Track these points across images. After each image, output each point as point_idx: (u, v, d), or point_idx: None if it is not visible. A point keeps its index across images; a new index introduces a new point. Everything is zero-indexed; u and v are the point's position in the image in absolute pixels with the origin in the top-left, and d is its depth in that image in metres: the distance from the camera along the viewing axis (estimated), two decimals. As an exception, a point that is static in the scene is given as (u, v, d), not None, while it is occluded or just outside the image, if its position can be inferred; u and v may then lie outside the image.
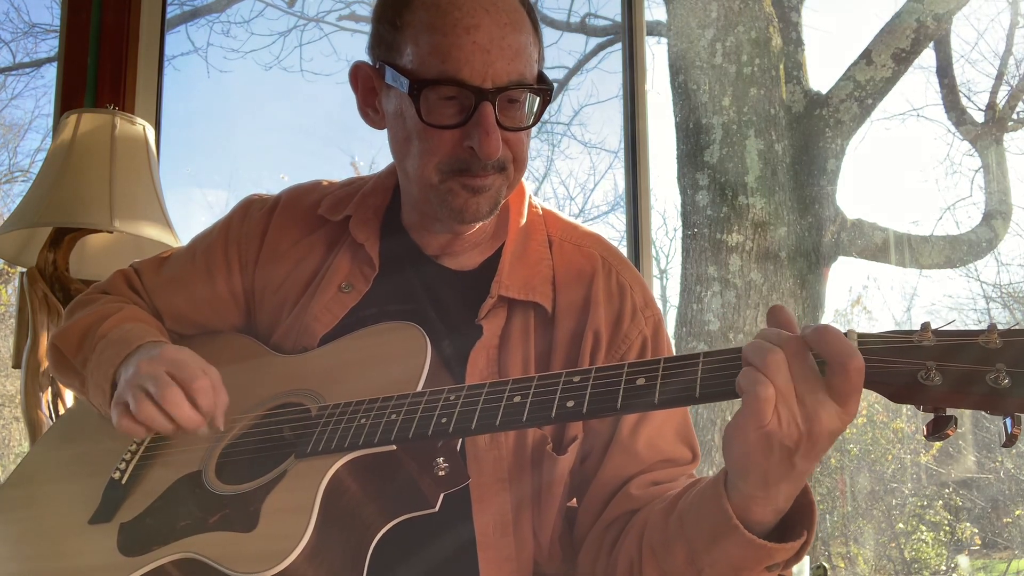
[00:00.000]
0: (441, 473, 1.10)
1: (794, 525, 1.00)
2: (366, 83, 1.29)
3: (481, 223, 1.29)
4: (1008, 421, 0.85)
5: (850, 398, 0.88)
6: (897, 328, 0.94)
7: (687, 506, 1.08)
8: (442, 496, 1.11)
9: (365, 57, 1.29)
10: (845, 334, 0.91)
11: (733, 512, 0.97)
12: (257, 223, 1.42)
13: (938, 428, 0.87)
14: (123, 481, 1.24)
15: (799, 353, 0.89)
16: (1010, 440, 0.85)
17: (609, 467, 1.24)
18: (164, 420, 1.16)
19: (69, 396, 2.19)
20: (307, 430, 1.14)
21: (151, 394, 1.16)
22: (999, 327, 0.86)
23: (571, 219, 1.42)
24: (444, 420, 1.06)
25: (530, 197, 1.40)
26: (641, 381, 0.99)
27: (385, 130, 1.30)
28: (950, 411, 0.88)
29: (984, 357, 0.85)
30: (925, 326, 0.89)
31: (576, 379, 1.03)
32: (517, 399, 1.04)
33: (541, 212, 1.40)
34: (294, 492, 1.08)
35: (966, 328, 0.89)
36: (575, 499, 1.32)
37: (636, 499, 1.21)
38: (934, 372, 0.86)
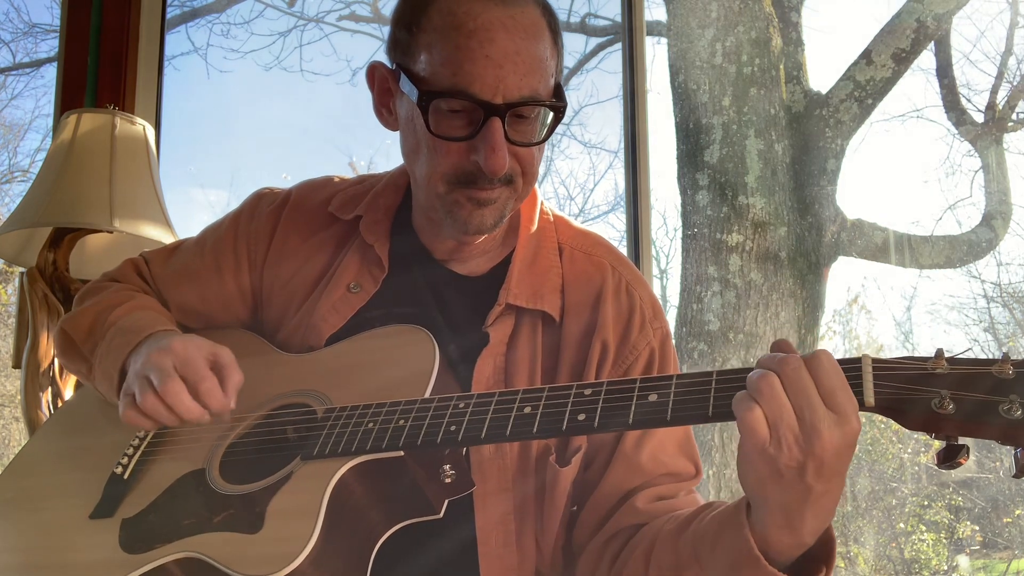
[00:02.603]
0: (447, 480, 1.10)
1: (812, 560, 0.98)
2: (382, 84, 1.28)
3: (489, 234, 1.28)
4: (1019, 452, 0.86)
5: (836, 395, 0.88)
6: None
7: (703, 532, 1.06)
8: (447, 503, 1.10)
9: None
10: (859, 359, 0.91)
11: (755, 543, 0.95)
12: (267, 219, 1.41)
13: (950, 456, 0.88)
14: (125, 476, 1.23)
15: (794, 371, 0.89)
16: (1022, 471, 0.86)
17: (612, 478, 1.24)
18: (167, 413, 1.16)
19: (69, 396, 2.18)
20: (313, 432, 1.14)
21: (154, 386, 1.15)
22: (997, 332, 0.87)
23: (582, 226, 1.41)
24: (453, 428, 1.05)
25: (542, 203, 1.39)
26: (653, 397, 0.99)
27: (397, 132, 1.29)
28: (962, 439, 0.88)
29: (997, 387, 0.86)
30: (939, 353, 0.90)
31: (587, 392, 1.03)
32: (528, 410, 1.03)
33: (552, 219, 1.39)
34: (300, 494, 1.07)
35: (980, 357, 0.89)
36: (575, 506, 1.31)
37: (642, 513, 1.20)
38: (948, 400, 0.86)
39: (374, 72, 1.28)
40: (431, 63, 1.15)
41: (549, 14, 1.20)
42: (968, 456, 0.87)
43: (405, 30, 1.20)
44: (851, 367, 0.92)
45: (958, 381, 0.87)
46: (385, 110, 1.29)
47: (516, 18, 1.14)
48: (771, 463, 0.89)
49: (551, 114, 1.20)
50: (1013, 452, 0.86)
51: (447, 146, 1.17)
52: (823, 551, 0.98)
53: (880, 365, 0.91)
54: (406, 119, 1.23)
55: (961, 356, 0.90)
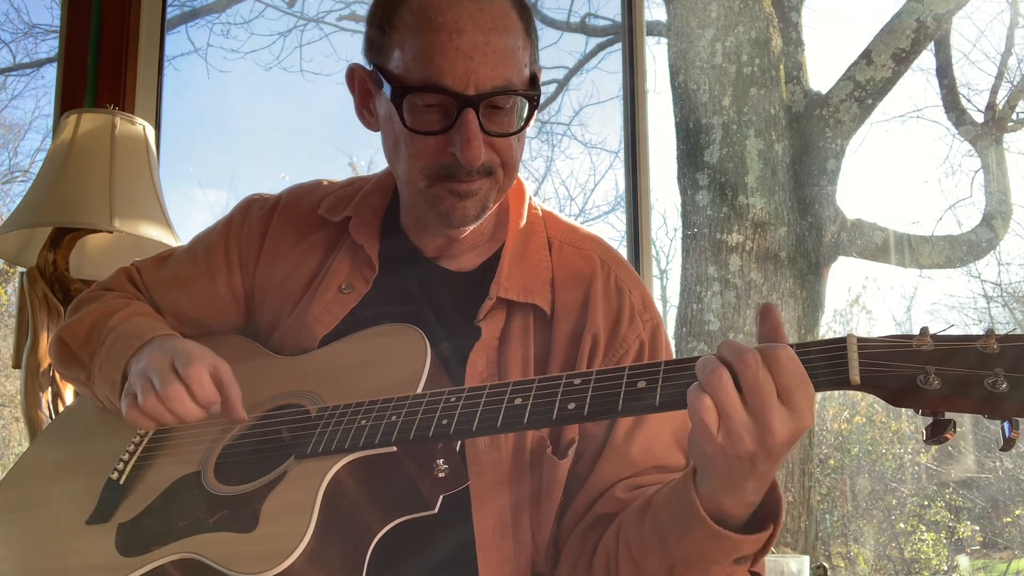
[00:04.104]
0: (441, 475, 1.10)
1: (762, 519, 1.02)
2: (361, 85, 1.29)
3: (473, 226, 1.28)
4: (1006, 425, 0.86)
5: (793, 394, 0.89)
6: (897, 330, 0.95)
7: (660, 501, 1.09)
8: (441, 497, 1.11)
9: (363, 58, 1.29)
10: (844, 338, 0.92)
11: (701, 504, 0.99)
12: (258, 223, 1.43)
13: (936, 432, 0.89)
14: (121, 481, 1.24)
15: (750, 369, 0.90)
16: (1008, 444, 0.86)
17: (602, 470, 1.24)
18: (168, 415, 1.18)
19: (69, 396, 2.19)
20: (307, 431, 1.14)
21: (155, 387, 1.18)
22: (997, 331, 0.87)
23: (571, 221, 1.42)
24: (445, 422, 1.06)
25: (530, 198, 1.39)
26: (642, 384, 0.99)
27: (380, 132, 1.29)
28: (948, 415, 0.89)
29: (982, 362, 0.86)
30: (924, 331, 0.91)
31: (577, 381, 1.03)
32: (518, 401, 1.04)
33: (541, 213, 1.40)
34: (294, 493, 1.08)
35: (964, 333, 0.90)
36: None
37: (621, 502, 1.21)
38: (933, 376, 0.87)
39: (353, 74, 1.29)
40: (404, 60, 1.16)
41: (520, 4, 1.21)
42: (954, 431, 0.88)
43: (378, 29, 1.21)
44: (837, 346, 0.93)
45: (943, 357, 0.88)
46: (366, 111, 1.31)
47: (485, 10, 1.15)
48: (721, 450, 0.92)
49: (527, 104, 1.21)
50: (1000, 425, 0.86)
51: (424, 141, 1.18)
52: (771, 510, 1.02)
53: (865, 343, 0.92)
54: (385, 118, 1.25)
55: (946, 333, 0.90)
